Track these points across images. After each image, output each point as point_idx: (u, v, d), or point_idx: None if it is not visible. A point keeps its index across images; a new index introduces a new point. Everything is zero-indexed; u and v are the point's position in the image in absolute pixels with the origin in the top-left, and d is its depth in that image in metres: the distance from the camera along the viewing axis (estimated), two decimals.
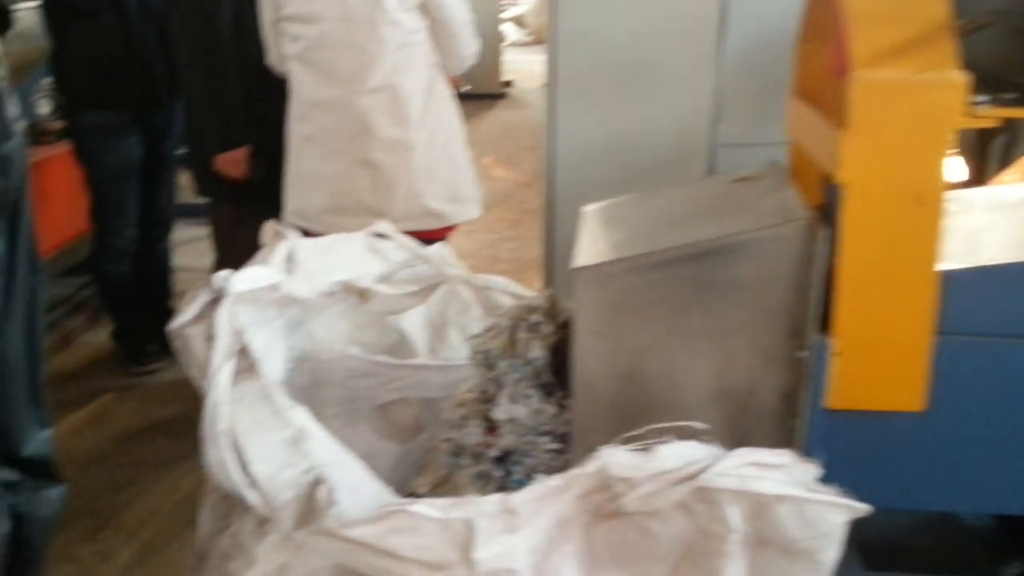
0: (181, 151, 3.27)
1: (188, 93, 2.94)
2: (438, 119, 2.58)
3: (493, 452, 1.49)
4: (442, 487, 2.22)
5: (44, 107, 3.73)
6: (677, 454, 1.11)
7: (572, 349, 1.35)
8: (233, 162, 2.82)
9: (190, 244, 4.30)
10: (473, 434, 1.50)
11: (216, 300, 1.28)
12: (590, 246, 1.40)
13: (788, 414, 1.38)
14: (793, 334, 1.33)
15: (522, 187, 5.96)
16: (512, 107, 8.94)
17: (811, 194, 1.46)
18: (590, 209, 1.59)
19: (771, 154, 3.00)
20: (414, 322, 1.97)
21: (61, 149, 3.33)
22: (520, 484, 1.44)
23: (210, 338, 1.23)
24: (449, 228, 2.71)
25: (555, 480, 1.11)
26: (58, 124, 3.38)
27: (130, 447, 2.92)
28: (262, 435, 1.15)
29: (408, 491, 2.15)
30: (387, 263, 1.94)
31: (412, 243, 2.00)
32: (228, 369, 1.20)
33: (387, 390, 1.89)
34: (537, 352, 1.48)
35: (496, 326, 1.58)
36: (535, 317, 1.53)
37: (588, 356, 1.35)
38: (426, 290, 1.89)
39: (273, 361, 1.52)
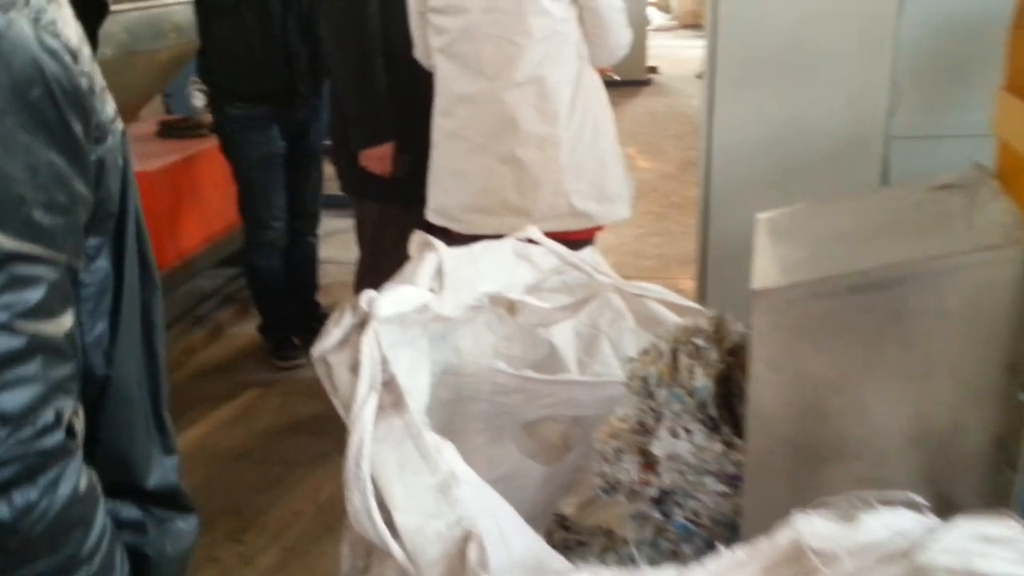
0: (326, 144, 3.24)
1: (334, 86, 2.90)
2: (587, 113, 2.44)
3: (651, 491, 1.35)
4: (590, 508, 2.10)
5: (199, 100, 3.79)
6: (886, 524, 0.95)
7: (747, 381, 1.20)
8: (378, 158, 2.76)
9: (336, 236, 4.31)
10: (629, 469, 1.37)
11: (361, 324, 1.19)
12: (768, 264, 1.24)
13: (1001, 464, 1.18)
14: (1010, 370, 1.13)
15: (668, 178, 5.75)
16: (657, 94, 8.70)
17: None
18: (765, 218, 1.43)
19: (951, 147, 2.75)
20: (564, 334, 1.85)
21: (213, 142, 3.37)
22: (682, 529, 1.30)
23: (354, 367, 1.14)
24: (596, 228, 2.58)
25: (740, 552, 0.96)
26: (210, 117, 3.41)
27: (274, 444, 2.92)
28: (408, 479, 1.05)
29: (554, 511, 2.04)
30: (536, 271, 1.82)
31: (561, 249, 1.87)
32: (372, 403, 1.11)
33: (535, 407, 1.77)
34: (702, 381, 1.33)
35: (655, 348, 1.43)
36: (700, 341, 1.38)
37: (765, 389, 1.19)
38: (578, 303, 1.77)
39: (419, 380, 1.43)
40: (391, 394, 1.13)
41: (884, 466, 1.21)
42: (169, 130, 3.80)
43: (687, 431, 1.31)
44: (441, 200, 2.51)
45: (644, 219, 5.01)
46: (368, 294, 1.23)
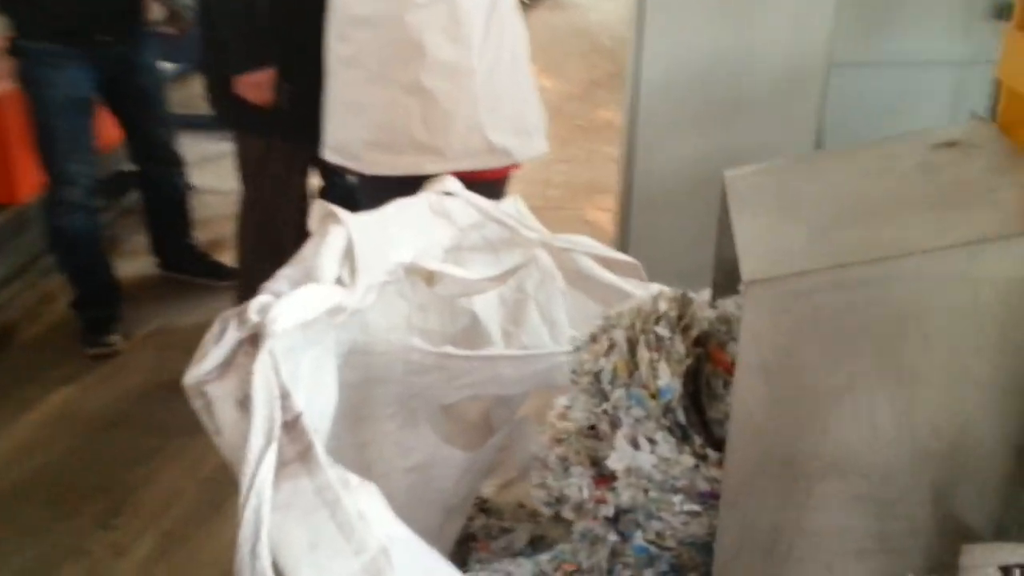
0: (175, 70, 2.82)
1: (204, 3, 2.52)
2: (503, 36, 2.14)
3: (606, 510, 1.13)
4: (511, 489, 1.89)
5: None
6: None
7: (732, 386, 0.98)
8: (256, 85, 2.41)
9: (217, 163, 3.89)
10: (579, 485, 1.14)
11: (252, 340, 0.91)
12: (756, 246, 1.01)
13: (1018, 480, 1.00)
14: None
15: (572, 99, 5.47)
16: (555, 8, 8.34)
17: None
18: (735, 178, 1.19)
19: (890, 76, 2.58)
20: (487, 301, 1.60)
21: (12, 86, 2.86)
22: (643, 552, 1.08)
23: (243, 402, 0.87)
24: (513, 167, 2.31)
25: None
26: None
27: (148, 409, 2.58)
28: (323, 562, 0.80)
29: (475, 497, 1.82)
30: (455, 228, 1.55)
31: (483, 202, 1.61)
32: (271, 459, 0.84)
33: (455, 387, 1.52)
34: (667, 380, 1.10)
35: (606, 336, 1.20)
36: (662, 330, 1.14)
37: (754, 397, 0.97)
38: (506, 273, 1.52)
39: (326, 382, 1.16)
40: (296, 442, 0.86)
41: (889, 484, 1.02)
42: None
43: (650, 441, 1.09)
44: (339, 136, 2.19)
45: (549, 144, 4.75)
46: (260, 301, 0.94)
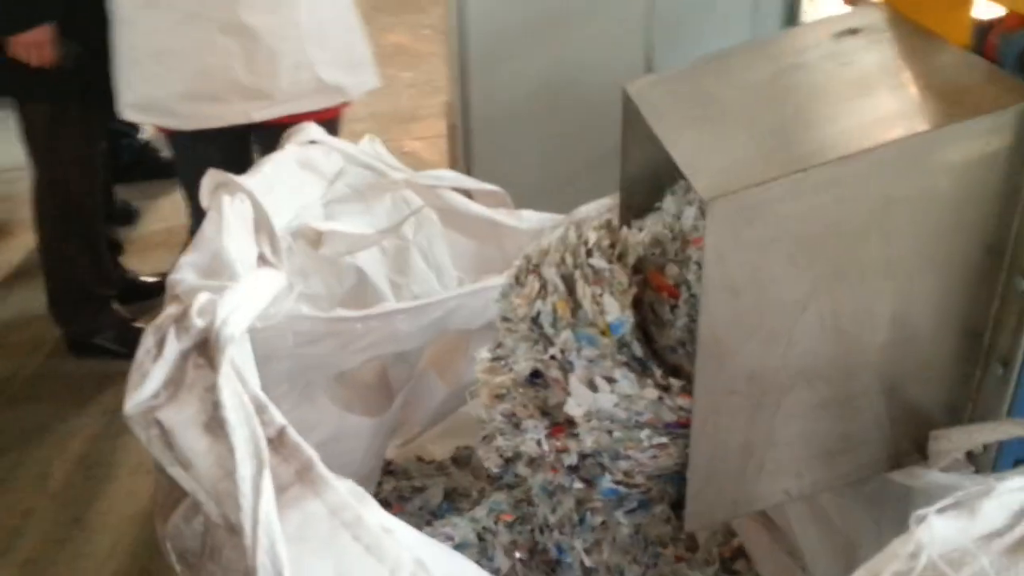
0: None
1: None
2: None
3: (569, 459, 1.07)
4: (410, 446, 1.80)
5: None
6: (1001, 505, 0.72)
7: (700, 311, 0.92)
8: (35, 45, 2.11)
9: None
10: (536, 439, 1.07)
11: (200, 350, 0.75)
12: (701, 160, 0.95)
13: (970, 361, 1.02)
14: (990, 252, 0.95)
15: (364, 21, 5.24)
16: None
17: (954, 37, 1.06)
18: (643, 89, 1.12)
19: None
20: (370, 254, 1.48)
21: None
22: (612, 494, 1.03)
23: (210, 425, 0.73)
24: (344, 105, 2.16)
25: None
26: None
27: None
28: None
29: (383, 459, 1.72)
30: (323, 179, 1.41)
31: (347, 146, 1.48)
32: (268, 485, 0.70)
33: (351, 351, 1.40)
34: (616, 314, 1.04)
35: (534, 275, 1.12)
36: (598, 261, 1.07)
37: (721, 317, 0.93)
38: (396, 225, 1.40)
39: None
40: (291, 460, 0.73)
41: (852, 384, 1.01)
42: None
43: (608, 380, 1.03)
44: (143, 91, 1.96)
45: None
46: (200, 302, 0.79)
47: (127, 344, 2.62)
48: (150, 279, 2.84)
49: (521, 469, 1.11)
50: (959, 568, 0.68)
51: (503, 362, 1.17)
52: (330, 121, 2.09)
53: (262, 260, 0.94)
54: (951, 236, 0.93)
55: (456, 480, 1.70)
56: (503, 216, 1.73)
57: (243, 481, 0.70)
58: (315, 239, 1.30)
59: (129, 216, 3.26)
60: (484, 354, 1.21)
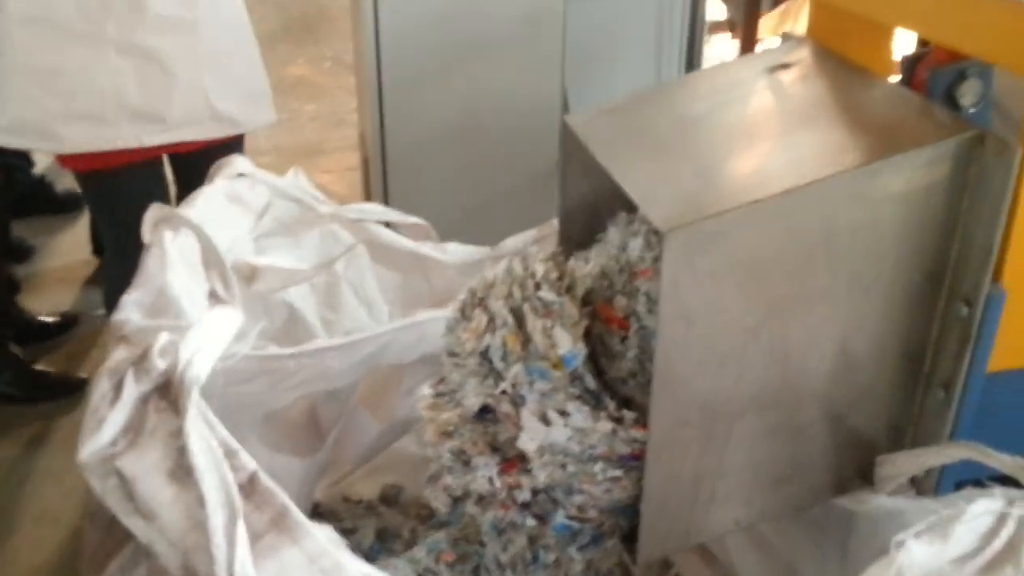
0: None
1: None
2: None
3: (522, 496, 1.05)
4: (338, 486, 1.75)
5: None
6: (970, 529, 0.74)
7: (656, 340, 0.92)
8: None
9: None
10: (487, 476, 1.05)
11: (162, 392, 0.71)
12: (653, 191, 0.95)
13: (910, 386, 1.04)
14: (932, 279, 0.98)
15: (276, 42, 5.16)
16: None
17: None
18: (586, 122, 1.13)
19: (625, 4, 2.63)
20: (300, 291, 1.44)
21: None
22: (564, 530, 1.02)
23: (175, 473, 0.68)
24: (238, 136, 2.10)
25: None
26: None
27: None
28: None
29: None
30: (251, 213, 1.37)
31: (275, 180, 1.44)
32: (243, 534, 0.66)
33: (282, 390, 1.35)
34: (568, 346, 1.03)
35: (481, 309, 1.10)
36: (547, 294, 1.07)
37: (676, 347, 0.93)
38: (331, 260, 1.37)
39: None
40: (264, 508, 0.70)
41: (801, 411, 1.02)
42: None
43: (562, 414, 1.02)
44: (20, 113, 1.86)
45: None
46: (161, 343, 0.74)
47: (24, 388, 2.50)
48: (48, 319, 2.71)
49: (470, 508, 1.08)
50: None
51: (447, 398, 1.15)
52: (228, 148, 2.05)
53: (214, 297, 0.90)
54: (892, 264, 0.96)
55: (386, 520, 1.66)
56: (429, 249, 1.71)
57: (215, 532, 0.66)
58: (249, 274, 1.26)
59: (25, 253, 3.11)
60: (427, 390, 1.19)
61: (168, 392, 0.72)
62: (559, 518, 1.04)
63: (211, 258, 0.92)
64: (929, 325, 1.00)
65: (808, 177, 0.91)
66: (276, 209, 1.43)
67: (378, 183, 2.40)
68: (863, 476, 1.09)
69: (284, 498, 0.71)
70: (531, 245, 1.71)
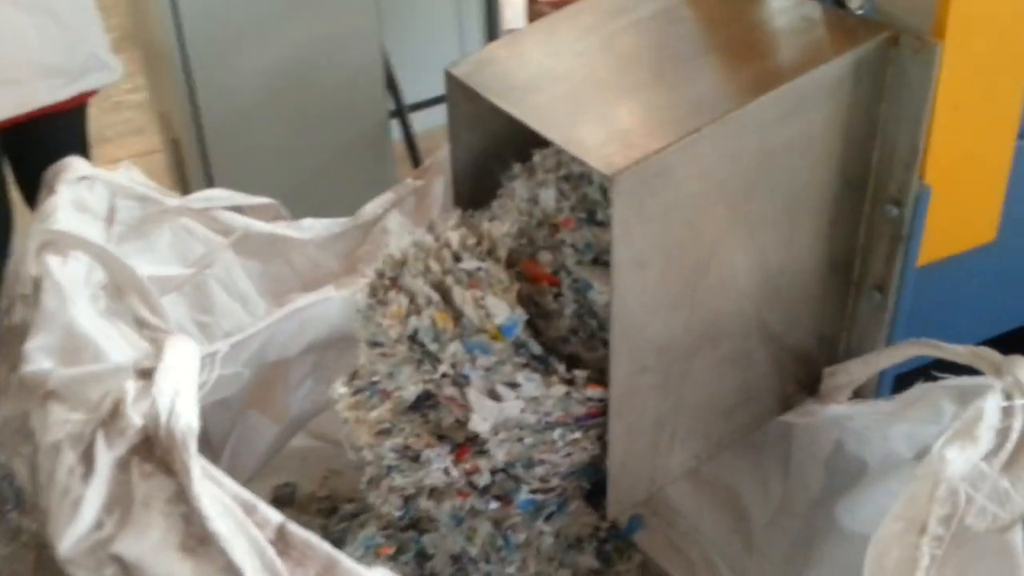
0: None
1: None
2: None
3: (482, 480, 0.98)
4: None
5: None
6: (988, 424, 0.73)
7: (613, 289, 0.87)
8: None
9: None
10: (442, 468, 0.97)
11: (142, 450, 0.57)
12: (586, 133, 0.89)
13: (842, 294, 1.05)
14: (850, 185, 0.98)
15: None
16: None
17: None
18: (473, 70, 1.04)
19: None
20: (167, 298, 1.28)
21: None
22: (529, 505, 0.97)
23: (189, 545, 0.56)
24: (90, 94, 1.95)
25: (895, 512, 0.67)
26: None
27: None
28: None
29: None
30: (99, 220, 1.20)
31: (118, 178, 1.27)
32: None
33: None
34: (506, 313, 0.96)
35: (391, 290, 1.01)
36: (469, 263, 0.99)
37: (632, 293, 0.88)
38: (201, 263, 1.22)
39: None
40: (308, 562, 0.58)
41: (748, 337, 1.00)
42: None
43: (512, 386, 0.95)
44: None
45: None
46: (128, 394, 0.60)
47: None
48: None
49: (424, 504, 1.00)
50: (978, 487, 0.68)
51: (368, 392, 1.06)
52: (80, 109, 1.98)
53: (141, 324, 0.76)
54: (822, 177, 0.95)
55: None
56: (284, 229, 1.58)
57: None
58: (118, 291, 1.10)
59: None
60: (341, 389, 1.09)
61: (149, 451, 0.60)
62: (523, 495, 0.98)
63: (127, 280, 0.78)
64: (856, 231, 1.00)
65: (739, 101, 0.87)
66: (122, 210, 1.27)
67: (196, 165, 2.20)
68: (805, 389, 1.09)
69: (326, 547, 0.61)
70: (390, 208, 1.61)
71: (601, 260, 0.99)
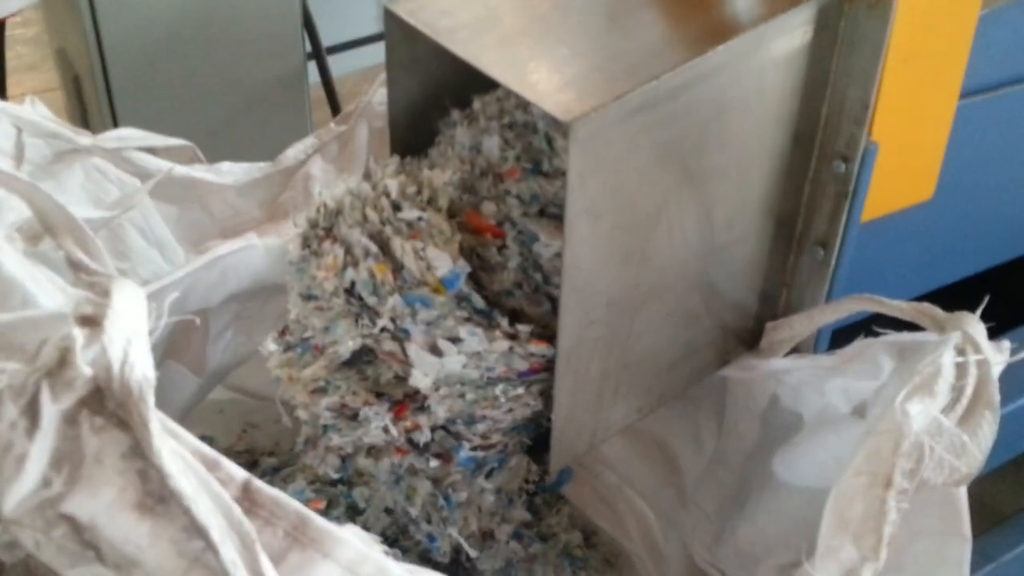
0: None
1: None
2: None
3: (423, 437, 0.95)
4: None
5: None
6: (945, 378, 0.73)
7: (565, 241, 0.85)
8: None
9: None
10: (381, 427, 0.93)
11: (91, 402, 0.52)
12: (537, 80, 0.85)
13: (783, 250, 1.05)
14: (797, 140, 0.97)
15: None
16: None
17: None
18: (412, 8, 0.99)
19: None
20: None
21: None
22: (470, 463, 0.95)
23: (146, 505, 0.50)
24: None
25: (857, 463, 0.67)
26: None
27: None
28: None
29: None
30: (8, 158, 1.12)
31: (21, 113, 1.18)
32: (265, 560, 0.50)
33: None
34: (448, 266, 0.93)
35: (324, 240, 0.96)
36: (409, 212, 0.95)
37: (584, 247, 0.86)
38: (122, 205, 1.15)
39: None
40: (276, 520, 0.53)
41: (693, 292, 1.00)
42: None
43: (454, 340, 0.92)
44: None
45: None
46: (75, 341, 0.53)
47: None
48: None
49: (362, 462, 0.97)
50: (937, 441, 0.69)
51: (300, 349, 1.02)
52: None
53: (78, 267, 0.69)
54: (772, 132, 0.94)
55: None
56: (201, 172, 1.51)
57: (232, 566, 0.51)
58: (39, 234, 1.03)
59: None
60: (272, 346, 1.04)
61: (100, 404, 0.55)
62: (464, 452, 0.96)
63: (61, 220, 0.71)
64: (802, 187, 1.00)
65: (696, 49, 0.84)
66: (30, 149, 1.18)
67: (99, 104, 2.08)
68: (744, 344, 1.09)
69: (295, 504, 0.57)
70: (313, 154, 1.56)
71: (547, 212, 0.96)
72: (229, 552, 0.52)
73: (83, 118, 2.22)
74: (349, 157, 1.51)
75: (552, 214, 0.96)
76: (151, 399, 0.54)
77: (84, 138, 1.29)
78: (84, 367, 0.54)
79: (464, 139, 1.03)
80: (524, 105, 1.00)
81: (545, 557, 1.19)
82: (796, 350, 1.07)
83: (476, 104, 1.06)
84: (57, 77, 2.58)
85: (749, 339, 1.08)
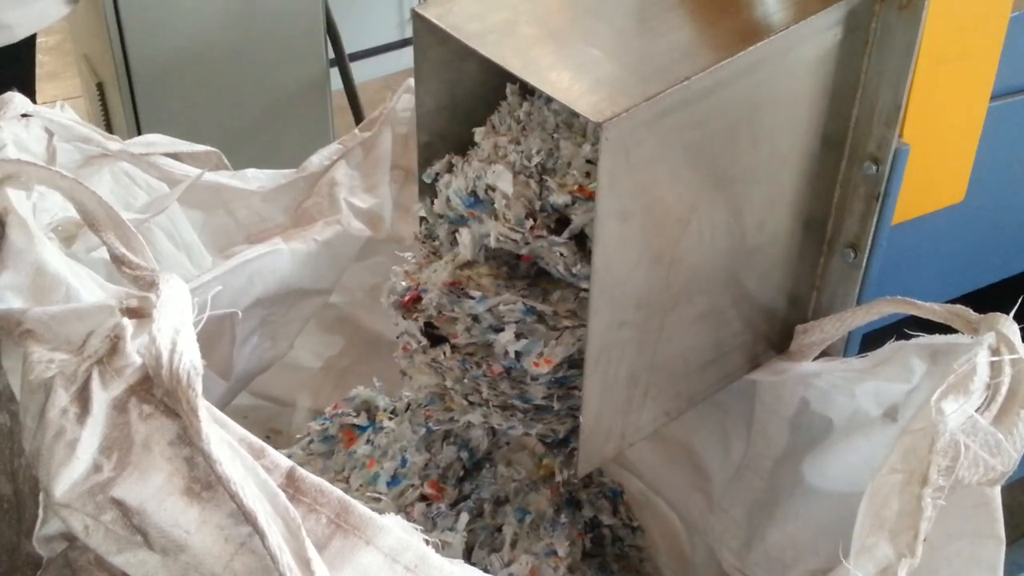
0: None
1: None
2: None
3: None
4: None
5: None
6: (980, 378, 0.73)
7: (594, 242, 0.85)
8: None
9: None
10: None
11: (140, 390, 0.52)
12: (569, 81, 0.85)
13: (814, 252, 1.04)
14: (828, 142, 0.97)
15: None
16: None
17: None
18: (441, 11, 0.99)
19: None
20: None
21: None
22: None
23: (192, 490, 0.51)
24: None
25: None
26: None
27: None
28: None
29: None
30: (37, 158, 1.13)
31: (57, 117, 1.19)
32: (311, 547, 0.51)
33: None
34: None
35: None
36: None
37: (614, 248, 0.86)
38: (155, 207, 1.16)
39: None
40: (320, 507, 0.53)
41: (724, 293, 0.99)
42: None
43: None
44: None
45: None
46: (122, 331, 0.54)
47: None
48: None
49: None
50: (972, 437, 0.68)
51: None
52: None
53: (121, 262, 0.70)
54: (804, 133, 0.94)
55: None
56: (227, 178, 1.52)
57: (279, 551, 0.51)
58: (72, 235, 1.04)
59: None
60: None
61: (148, 392, 0.56)
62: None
63: (105, 216, 0.72)
64: (832, 189, 1.00)
65: (727, 51, 0.85)
66: (61, 153, 1.19)
67: (124, 111, 2.10)
68: (774, 347, 1.09)
69: (338, 492, 0.58)
70: (337, 160, 1.56)
71: None
72: (275, 537, 0.52)
73: (107, 125, 2.23)
74: (373, 163, 1.52)
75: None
76: (199, 387, 0.55)
77: (113, 143, 1.30)
78: (135, 355, 0.54)
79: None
80: None
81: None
82: (826, 353, 1.06)
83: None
84: (79, 85, 2.60)
85: (779, 342, 1.08)
